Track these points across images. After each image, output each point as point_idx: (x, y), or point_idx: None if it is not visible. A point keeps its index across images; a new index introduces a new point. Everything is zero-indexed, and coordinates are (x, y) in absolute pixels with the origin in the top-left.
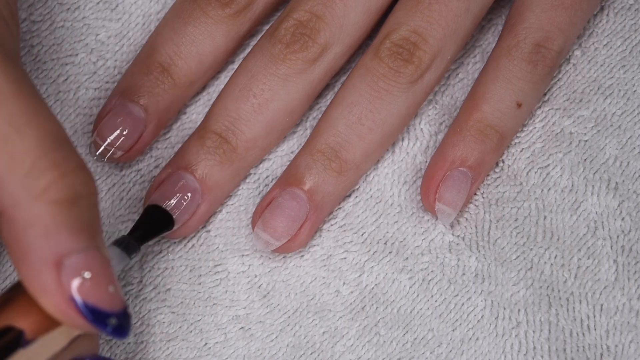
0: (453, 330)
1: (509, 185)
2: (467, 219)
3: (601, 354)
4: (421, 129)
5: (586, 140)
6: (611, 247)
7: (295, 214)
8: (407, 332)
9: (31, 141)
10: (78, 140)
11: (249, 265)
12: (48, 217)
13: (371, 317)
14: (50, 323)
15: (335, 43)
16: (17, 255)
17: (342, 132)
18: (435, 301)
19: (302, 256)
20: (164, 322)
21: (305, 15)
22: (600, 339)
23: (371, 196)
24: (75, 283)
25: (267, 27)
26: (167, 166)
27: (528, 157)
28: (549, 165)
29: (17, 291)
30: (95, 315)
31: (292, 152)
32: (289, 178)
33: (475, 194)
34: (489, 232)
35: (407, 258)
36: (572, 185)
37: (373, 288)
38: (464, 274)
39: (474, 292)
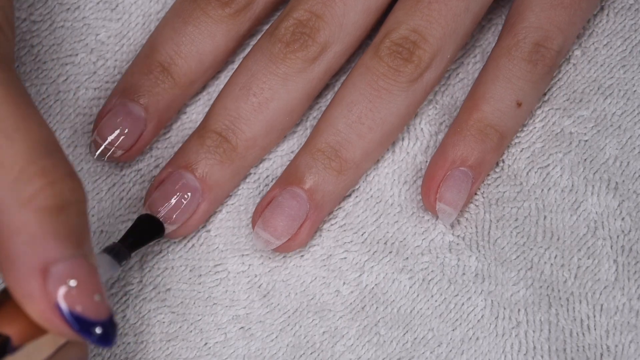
0: (453, 330)
1: (509, 185)
2: (467, 219)
3: (601, 354)
4: (421, 129)
5: (586, 140)
6: (611, 247)
7: (296, 213)
8: (407, 331)
9: (20, 147)
10: (78, 140)
11: (249, 265)
12: (35, 224)
13: (371, 317)
14: (37, 330)
15: (335, 42)
16: (3, 262)
17: (342, 131)
18: (435, 301)
19: (302, 256)
20: (164, 322)
21: (305, 14)
22: (600, 339)
23: (371, 196)
24: (60, 291)
25: (267, 26)
26: (167, 165)
27: (528, 157)
28: (549, 165)
29: (4, 297)
30: (80, 324)
31: (292, 152)
32: (289, 177)
33: (475, 193)
34: (489, 232)
35: (407, 258)
36: (572, 185)
37: (373, 288)
38: (464, 273)
39: (474, 292)
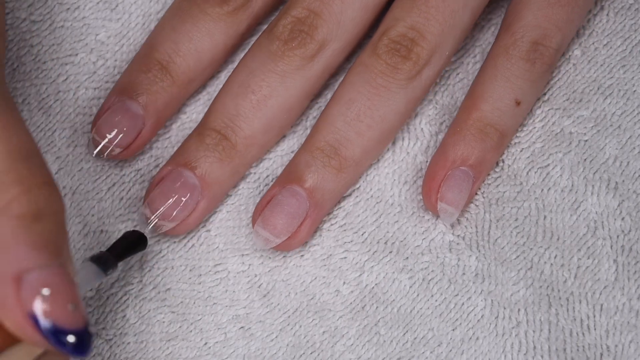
0: (453, 330)
1: (509, 185)
2: (467, 219)
3: (601, 354)
4: (421, 129)
5: (586, 140)
6: (611, 247)
7: (295, 212)
8: (407, 331)
9: None
10: (78, 140)
11: (249, 264)
12: (8, 232)
13: (371, 317)
14: (12, 339)
15: (333, 39)
16: None
17: (340, 129)
18: (436, 301)
19: (302, 256)
20: (164, 322)
21: (303, 12)
22: (600, 339)
23: (371, 196)
24: (33, 299)
25: (266, 26)
26: (167, 163)
27: (528, 157)
28: (549, 165)
29: None
30: (53, 333)
31: (292, 152)
32: (289, 176)
33: (475, 193)
34: (489, 232)
35: (407, 258)
36: (572, 185)
37: (373, 288)
38: (464, 273)
39: (474, 291)
